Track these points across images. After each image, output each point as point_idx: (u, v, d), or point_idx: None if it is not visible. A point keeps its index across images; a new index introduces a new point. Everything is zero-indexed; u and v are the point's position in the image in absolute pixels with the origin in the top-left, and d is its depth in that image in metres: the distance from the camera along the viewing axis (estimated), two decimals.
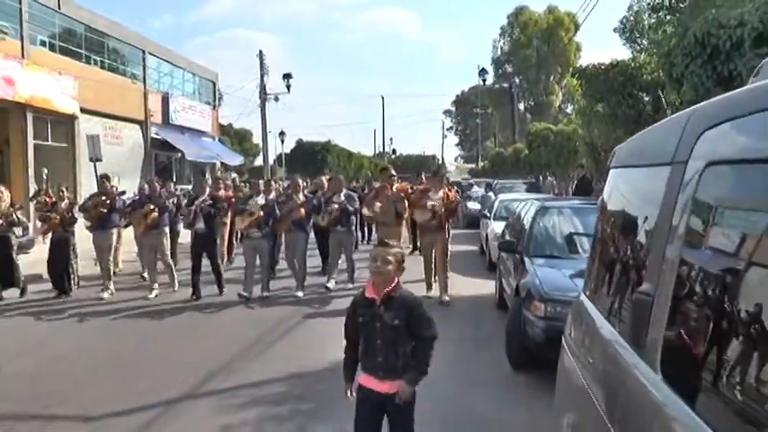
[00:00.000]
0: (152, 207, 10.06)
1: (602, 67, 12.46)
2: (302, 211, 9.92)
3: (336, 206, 10.15)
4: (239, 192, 12.88)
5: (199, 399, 5.63)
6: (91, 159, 15.06)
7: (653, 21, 12.13)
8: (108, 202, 10.18)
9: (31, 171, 19.49)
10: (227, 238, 12.69)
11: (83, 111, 21.88)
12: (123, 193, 10.89)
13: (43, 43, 21.67)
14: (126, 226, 11.14)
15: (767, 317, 1.18)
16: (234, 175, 29.37)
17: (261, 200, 9.95)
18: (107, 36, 25.35)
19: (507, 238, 8.76)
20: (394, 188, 10.44)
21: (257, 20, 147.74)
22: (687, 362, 1.51)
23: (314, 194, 11.22)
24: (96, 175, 14.39)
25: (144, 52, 27.94)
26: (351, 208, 10.37)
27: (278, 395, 5.62)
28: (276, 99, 34.44)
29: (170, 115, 28.88)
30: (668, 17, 11.09)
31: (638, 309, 1.75)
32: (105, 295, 10.02)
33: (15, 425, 5.13)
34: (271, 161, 39.33)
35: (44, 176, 18.99)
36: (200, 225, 9.90)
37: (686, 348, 1.53)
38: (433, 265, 9.81)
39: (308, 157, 45.48)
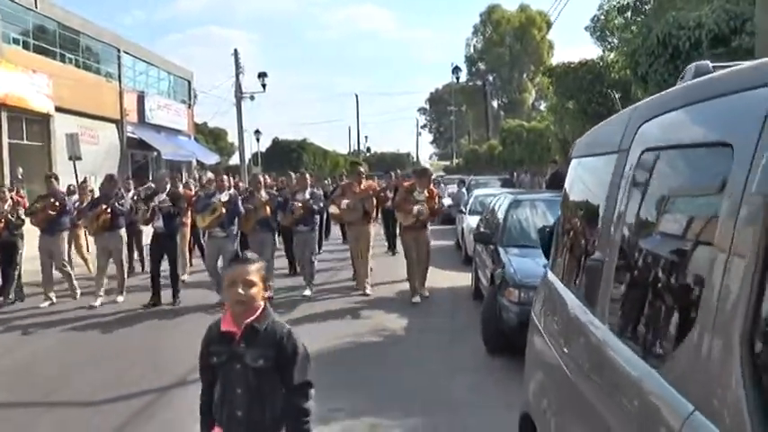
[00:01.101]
0: (104, 208, 9.32)
1: (572, 65, 12.92)
2: (267, 209, 9.38)
3: (300, 204, 9.64)
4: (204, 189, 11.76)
5: (189, 386, 5.83)
6: (70, 158, 15.06)
7: (621, 21, 12.60)
8: (57, 204, 9.51)
9: (6, 171, 19.42)
10: (188, 238, 11.92)
11: (58, 110, 21.81)
12: (73, 193, 10.13)
13: (17, 41, 21.55)
14: (82, 225, 10.51)
15: (685, 276, 1.51)
16: (210, 174, 29.41)
17: (224, 197, 9.28)
18: (81, 34, 25.28)
19: (482, 230, 9.11)
20: (362, 185, 10.02)
21: (231, 16, 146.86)
22: (627, 313, 1.85)
23: (279, 192, 10.69)
24: (76, 174, 14.45)
25: (119, 50, 27.88)
26: (315, 207, 9.89)
27: None
28: (252, 98, 34.47)
29: (146, 114, 28.86)
30: (633, 18, 11.57)
31: (591, 274, 2.08)
32: (45, 304, 9.41)
33: (16, 411, 5.34)
34: (246, 160, 39.37)
35: (19, 176, 18.94)
36: (159, 224, 9.26)
37: (626, 304, 1.87)
38: (415, 263, 9.45)
39: (284, 156, 45.54)
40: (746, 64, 1.45)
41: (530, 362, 3.07)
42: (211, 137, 50.57)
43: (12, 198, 10.01)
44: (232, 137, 50.95)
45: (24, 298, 9.86)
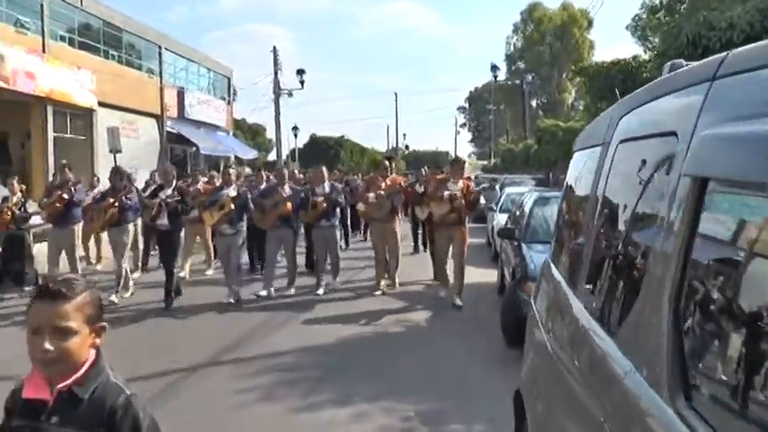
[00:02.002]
0: (112, 201, 8.78)
1: (605, 65, 12.88)
2: (288, 205, 9.02)
3: (321, 199, 9.22)
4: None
5: (194, 377, 5.89)
6: (111, 151, 15.64)
7: (654, 22, 12.50)
8: (64, 196, 9.09)
9: (51, 163, 20.12)
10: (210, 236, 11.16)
11: (101, 104, 22.53)
12: (79, 182, 9.73)
13: (63, 38, 22.30)
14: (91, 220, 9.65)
15: (637, 256, 1.64)
16: (247, 169, 29.81)
17: (232, 191, 8.86)
18: (124, 31, 26.00)
19: (508, 226, 9.19)
20: (387, 180, 9.63)
21: (272, 14, 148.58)
22: (596, 290, 1.99)
23: (303, 186, 10.41)
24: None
25: (160, 47, 28.57)
26: (339, 199, 9.57)
27: (288, 365, 6.10)
28: (290, 94, 34.90)
29: (185, 109, 29.50)
30: (666, 18, 11.47)
31: (574, 257, 2.22)
32: None
33: None
34: (284, 156, 39.87)
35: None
36: (164, 221, 8.62)
37: (596, 282, 2.00)
38: (446, 263, 9.03)
39: (321, 152, 45.93)
40: (697, 63, 1.58)
41: (526, 344, 3.20)
42: (250, 133, 51.33)
43: (21, 191, 9.71)
44: (270, 133, 51.58)
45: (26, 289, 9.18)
